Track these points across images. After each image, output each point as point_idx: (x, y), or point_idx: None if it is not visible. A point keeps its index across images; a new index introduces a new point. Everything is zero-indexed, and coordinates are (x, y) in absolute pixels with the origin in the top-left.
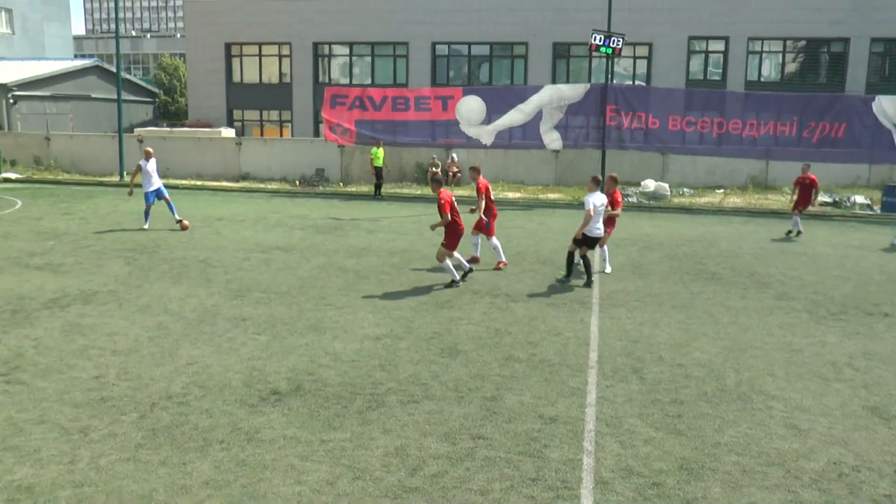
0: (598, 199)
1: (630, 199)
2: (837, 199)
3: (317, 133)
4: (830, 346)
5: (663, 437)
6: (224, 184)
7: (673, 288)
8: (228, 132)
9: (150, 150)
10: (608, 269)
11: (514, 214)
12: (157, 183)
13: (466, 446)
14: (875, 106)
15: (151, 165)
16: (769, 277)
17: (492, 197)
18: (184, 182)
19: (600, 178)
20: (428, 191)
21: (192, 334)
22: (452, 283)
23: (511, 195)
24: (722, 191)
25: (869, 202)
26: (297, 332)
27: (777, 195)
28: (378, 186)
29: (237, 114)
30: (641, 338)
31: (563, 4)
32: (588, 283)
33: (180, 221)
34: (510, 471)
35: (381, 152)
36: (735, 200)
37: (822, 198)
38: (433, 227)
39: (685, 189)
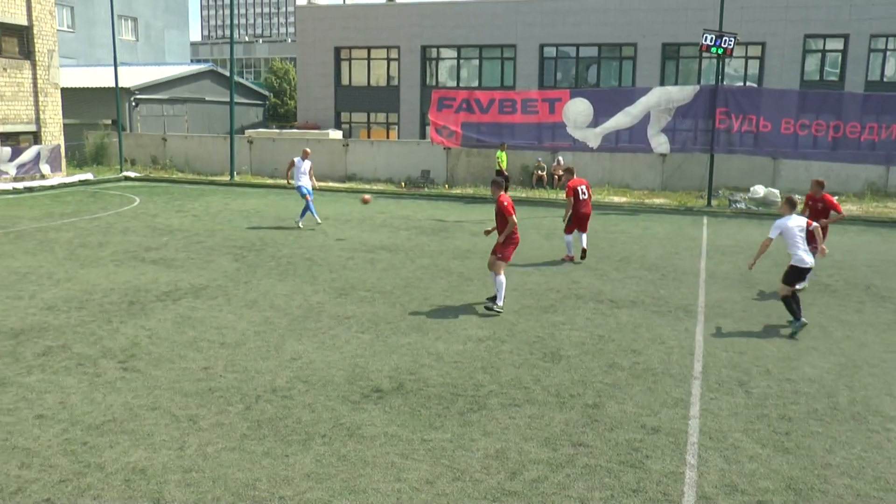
0: (793, 223)
1: (738, 206)
2: None
3: (423, 135)
4: None
5: (770, 455)
6: (331, 184)
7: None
8: (336, 134)
9: (308, 150)
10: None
11: (619, 219)
12: (305, 182)
13: (567, 453)
14: None
15: (305, 165)
16: (888, 291)
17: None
18: (293, 182)
19: (795, 198)
20: (534, 193)
21: (297, 330)
22: (494, 308)
23: (616, 199)
24: (836, 198)
25: None
26: (400, 332)
27: None
28: (505, 189)
29: (345, 116)
30: (748, 349)
31: (672, 4)
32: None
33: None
34: (610, 480)
35: (504, 155)
36: (851, 208)
37: None
38: (487, 233)
39: (797, 196)
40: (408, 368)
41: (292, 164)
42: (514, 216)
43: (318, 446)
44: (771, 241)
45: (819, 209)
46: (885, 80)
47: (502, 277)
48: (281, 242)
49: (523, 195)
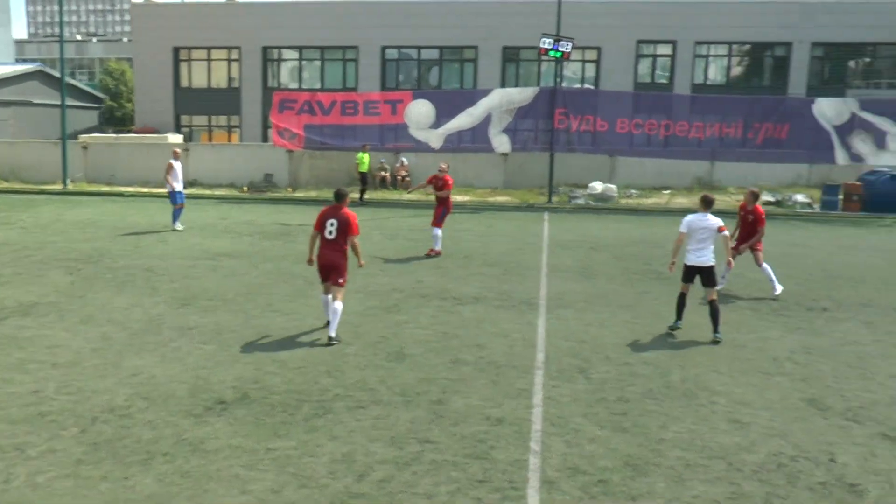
0: (697, 222)
1: (578, 202)
2: (780, 199)
3: (265, 138)
4: (772, 341)
5: (609, 435)
6: None
7: (620, 288)
8: (176, 138)
9: (179, 150)
10: (777, 290)
11: (463, 217)
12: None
13: (413, 450)
14: (815, 108)
15: (179, 166)
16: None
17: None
18: (129, 189)
19: (711, 197)
20: (377, 195)
21: (137, 344)
22: (335, 342)
23: (460, 198)
24: (668, 192)
25: (809, 201)
26: (244, 340)
27: (722, 195)
28: (362, 192)
29: (185, 119)
30: (588, 338)
31: (512, 9)
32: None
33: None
34: (457, 474)
35: (366, 157)
36: (681, 201)
37: (766, 197)
38: (310, 262)
39: (632, 190)
40: (252, 377)
41: (171, 167)
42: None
43: (159, 465)
44: (682, 237)
45: (749, 221)
46: (708, 83)
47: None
48: (118, 253)
49: (366, 196)
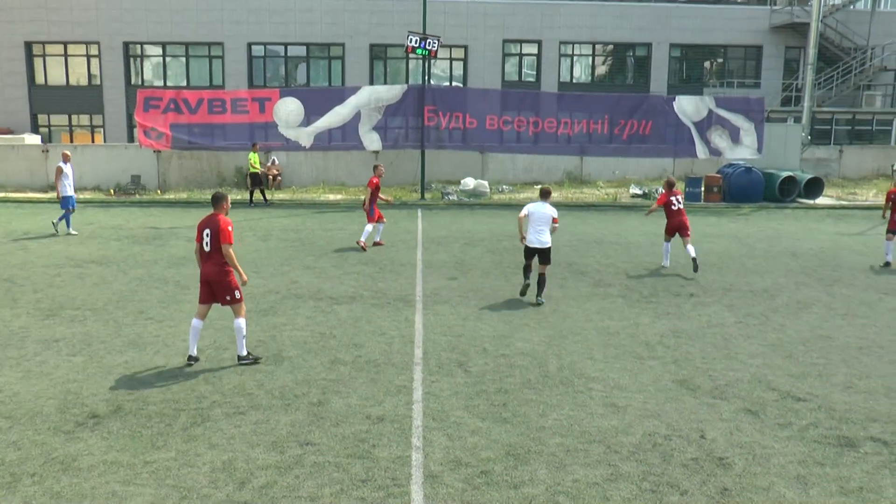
0: (535, 210)
1: (451, 198)
2: (647, 191)
3: (131, 138)
4: (644, 326)
5: (490, 427)
6: (30, 195)
7: (495, 282)
8: (33, 139)
9: (69, 152)
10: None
11: (336, 216)
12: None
13: (295, 454)
14: (676, 105)
15: (69, 169)
16: (586, 267)
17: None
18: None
19: (548, 188)
20: (246, 195)
21: None
22: (250, 360)
23: (332, 197)
24: (539, 186)
25: None
26: (116, 350)
27: (592, 189)
28: (262, 192)
29: (42, 119)
30: (465, 332)
31: (379, 6)
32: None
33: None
34: (339, 474)
35: (256, 156)
36: (553, 196)
37: (633, 190)
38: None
39: (504, 186)
40: (125, 388)
41: (61, 171)
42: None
43: (26, 487)
44: (521, 219)
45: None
46: (574, 81)
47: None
48: None
49: (238, 197)
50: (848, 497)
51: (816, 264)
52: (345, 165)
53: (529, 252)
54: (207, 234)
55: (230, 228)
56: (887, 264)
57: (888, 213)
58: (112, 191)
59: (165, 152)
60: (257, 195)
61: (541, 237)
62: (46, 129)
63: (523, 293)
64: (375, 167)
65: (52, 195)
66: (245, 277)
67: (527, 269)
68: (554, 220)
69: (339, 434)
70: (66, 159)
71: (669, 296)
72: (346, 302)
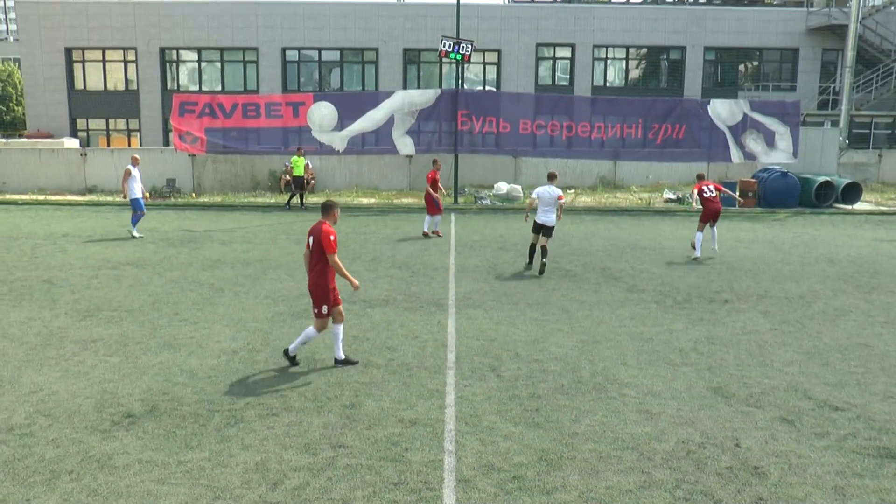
0: (541, 191)
1: (484, 202)
2: (681, 196)
3: (167, 142)
4: (677, 333)
5: (522, 432)
6: (69, 198)
7: (528, 286)
8: (72, 143)
9: (137, 156)
10: (715, 248)
11: (369, 220)
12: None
13: (327, 456)
14: (710, 109)
15: (137, 172)
16: (620, 272)
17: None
18: (23, 197)
19: (554, 172)
20: (284, 198)
21: (37, 360)
22: (348, 362)
23: (365, 201)
24: (573, 191)
25: None
26: (151, 351)
27: (625, 193)
28: (301, 196)
29: (81, 123)
30: (498, 336)
31: (412, 11)
32: (540, 271)
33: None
34: (372, 477)
35: (301, 161)
36: (586, 200)
37: (667, 195)
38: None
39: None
40: (160, 389)
41: (128, 174)
42: (335, 255)
43: (64, 484)
44: (532, 202)
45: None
46: (608, 84)
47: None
48: (13, 264)
49: (272, 201)
50: None
51: (854, 271)
52: (378, 169)
53: (536, 227)
54: (311, 241)
55: (332, 238)
56: None
57: None
58: (148, 194)
59: (200, 156)
60: (295, 199)
61: (548, 216)
62: (85, 134)
63: (527, 269)
64: (434, 161)
65: (89, 198)
66: (356, 283)
67: (532, 250)
68: (560, 198)
69: (371, 437)
70: (134, 163)
71: (704, 302)
72: (380, 305)
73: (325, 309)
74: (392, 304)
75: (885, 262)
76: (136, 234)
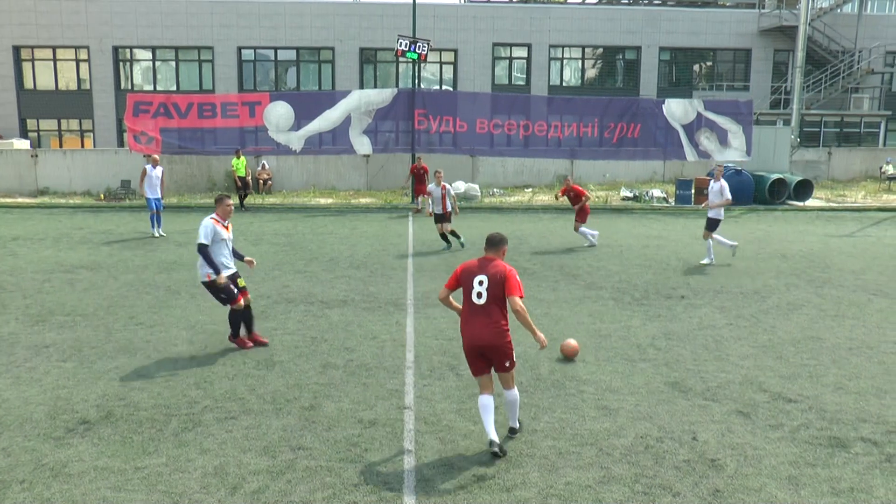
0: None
1: None
2: (637, 194)
3: (121, 143)
4: (635, 329)
5: (482, 430)
6: (20, 200)
7: None
8: (22, 143)
9: (157, 157)
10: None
11: (327, 220)
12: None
13: (286, 458)
14: (665, 108)
15: (158, 172)
16: (577, 270)
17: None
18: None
19: (438, 170)
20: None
21: None
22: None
23: (323, 201)
24: (530, 189)
25: (664, 195)
26: (106, 356)
27: None
28: (242, 197)
29: (31, 123)
30: (457, 335)
31: (368, 10)
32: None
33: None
34: (332, 479)
35: (242, 162)
36: (543, 198)
37: (624, 192)
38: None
39: (495, 189)
40: (116, 394)
41: (145, 173)
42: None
43: (15, 494)
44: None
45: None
46: (564, 84)
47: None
48: None
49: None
50: (839, 497)
51: (806, 266)
52: (335, 169)
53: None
54: (482, 283)
55: (516, 277)
56: None
57: None
58: (102, 196)
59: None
60: (247, 199)
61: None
62: (35, 134)
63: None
64: (418, 158)
65: (41, 200)
66: (543, 339)
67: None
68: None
69: (330, 438)
70: (153, 163)
71: (661, 298)
72: (338, 306)
73: (509, 363)
74: (350, 305)
75: (835, 258)
76: (156, 233)
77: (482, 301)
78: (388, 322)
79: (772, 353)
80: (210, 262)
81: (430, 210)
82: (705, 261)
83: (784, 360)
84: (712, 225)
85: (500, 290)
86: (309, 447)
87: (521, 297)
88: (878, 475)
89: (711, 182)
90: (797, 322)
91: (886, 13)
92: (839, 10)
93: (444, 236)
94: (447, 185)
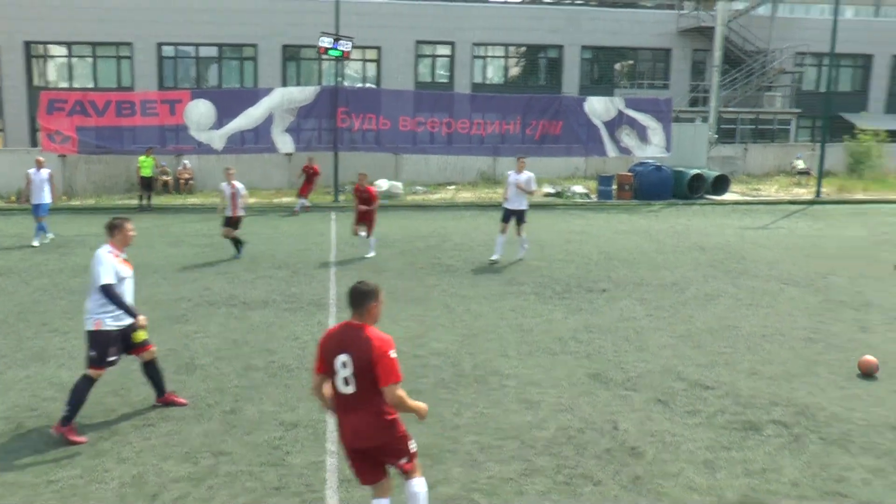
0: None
1: None
2: (560, 190)
3: (34, 142)
4: (557, 322)
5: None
6: None
7: (409, 283)
8: None
9: (42, 158)
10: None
11: (250, 220)
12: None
13: (207, 464)
14: (586, 106)
15: (43, 174)
16: (500, 265)
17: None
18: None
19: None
20: (158, 200)
21: None
22: None
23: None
24: (454, 187)
25: (587, 191)
26: (17, 365)
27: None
28: (144, 197)
29: None
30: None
31: (291, 6)
32: None
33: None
34: (253, 483)
35: (150, 161)
36: (466, 196)
37: (547, 189)
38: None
39: (418, 187)
40: (27, 405)
41: (29, 179)
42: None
43: None
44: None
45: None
46: (487, 82)
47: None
48: None
49: (156, 202)
50: (752, 478)
51: (723, 257)
52: (259, 168)
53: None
54: (346, 364)
55: (393, 354)
56: None
57: None
58: (13, 198)
59: (71, 157)
60: (150, 199)
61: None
62: None
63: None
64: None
65: None
66: (424, 409)
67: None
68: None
69: (252, 442)
70: (39, 166)
71: (582, 291)
72: (259, 307)
73: (413, 446)
74: (272, 306)
75: (749, 249)
76: (39, 241)
77: (351, 389)
78: (310, 322)
79: (690, 342)
80: (121, 304)
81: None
82: (520, 255)
83: (701, 348)
84: (521, 217)
85: (370, 374)
86: (230, 452)
87: (397, 383)
88: (788, 455)
89: (513, 174)
90: (714, 312)
91: (797, 16)
92: (753, 13)
93: (234, 241)
94: (237, 185)
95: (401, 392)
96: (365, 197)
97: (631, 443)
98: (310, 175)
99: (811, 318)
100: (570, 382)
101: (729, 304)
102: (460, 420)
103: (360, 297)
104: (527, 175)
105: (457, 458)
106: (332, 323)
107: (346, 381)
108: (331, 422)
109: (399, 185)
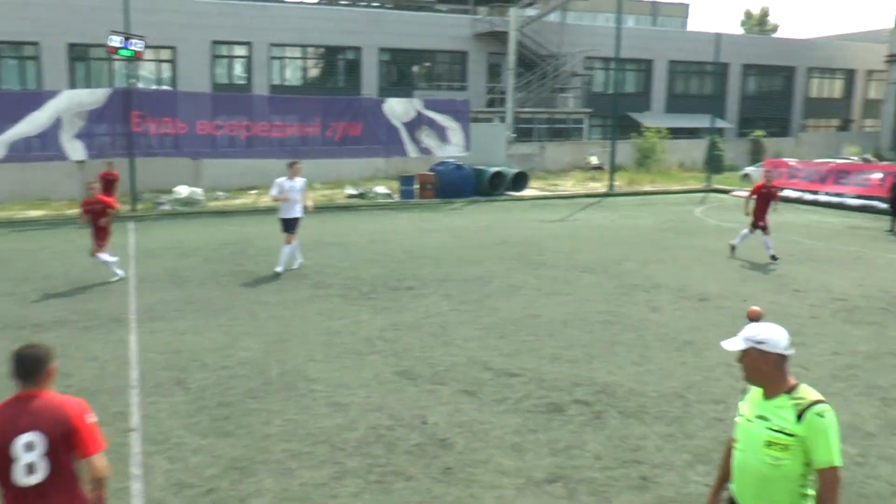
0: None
1: (164, 207)
2: (362, 192)
3: None
4: (364, 323)
5: (212, 443)
6: None
7: (213, 292)
8: None
9: None
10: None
11: (40, 234)
12: None
13: None
14: (386, 107)
15: None
16: (305, 269)
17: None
18: None
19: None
20: None
21: None
22: None
23: (33, 213)
24: (256, 191)
25: (389, 192)
26: None
27: (307, 191)
28: None
29: None
30: (183, 347)
31: (77, 2)
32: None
33: None
34: None
35: None
36: (268, 200)
37: (349, 190)
38: None
39: (219, 193)
40: None
41: None
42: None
43: None
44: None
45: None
46: (286, 83)
47: None
48: None
49: None
50: (557, 456)
51: (524, 250)
52: (48, 177)
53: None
54: (32, 446)
55: (93, 418)
56: (774, 258)
57: (751, 205)
58: None
59: None
60: None
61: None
62: None
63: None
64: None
65: None
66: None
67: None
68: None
69: None
70: None
71: (388, 290)
72: (53, 328)
73: None
74: (67, 325)
75: (548, 242)
76: None
77: (39, 477)
78: (110, 340)
79: (495, 332)
80: None
81: None
82: (293, 266)
83: (506, 338)
84: (292, 226)
85: (67, 449)
86: None
87: (103, 450)
88: (590, 431)
89: (286, 181)
90: (517, 302)
91: (585, 23)
92: (545, 19)
93: None
94: None
95: (106, 461)
96: (98, 209)
97: (441, 435)
98: (108, 182)
99: (608, 302)
100: (379, 381)
101: (531, 294)
102: (270, 429)
103: (34, 364)
104: (301, 182)
105: (268, 468)
106: (133, 339)
107: (31, 469)
108: (135, 445)
109: (199, 191)
